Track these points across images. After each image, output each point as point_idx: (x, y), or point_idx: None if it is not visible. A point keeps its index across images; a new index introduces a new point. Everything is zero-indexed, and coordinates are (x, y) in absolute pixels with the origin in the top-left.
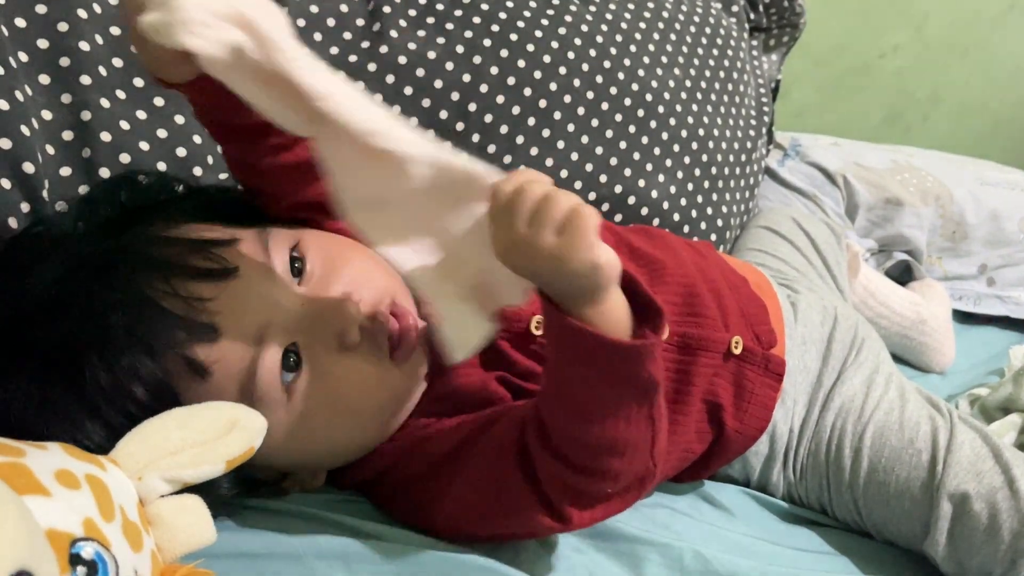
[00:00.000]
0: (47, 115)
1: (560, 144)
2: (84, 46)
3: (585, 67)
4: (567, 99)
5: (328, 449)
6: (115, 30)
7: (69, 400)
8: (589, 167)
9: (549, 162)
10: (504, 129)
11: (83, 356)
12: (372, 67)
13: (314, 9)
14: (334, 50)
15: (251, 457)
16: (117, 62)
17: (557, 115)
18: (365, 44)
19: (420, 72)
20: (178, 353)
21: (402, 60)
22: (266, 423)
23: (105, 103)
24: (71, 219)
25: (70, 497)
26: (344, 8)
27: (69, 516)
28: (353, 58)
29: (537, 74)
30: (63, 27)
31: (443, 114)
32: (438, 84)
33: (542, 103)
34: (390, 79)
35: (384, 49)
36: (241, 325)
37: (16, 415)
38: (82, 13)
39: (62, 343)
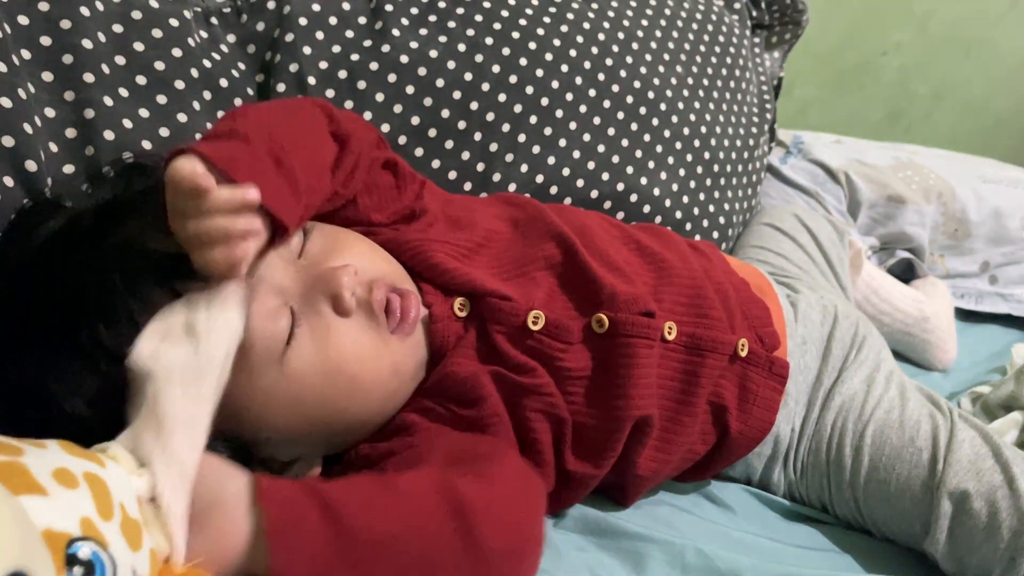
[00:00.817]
0: (50, 112)
1: (562, 142)
2: (87, 44)
3: (587, 65)
4: (569, 97)
5: (322, 420)
6: (117, 27)
7: (73, 361)
8: (591, 165)
9: (551, 160)
10: (506, 127)
11: (84, 315)
12: (374, 66)
13: (316, 8)
14: (336, 48)
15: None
16: (119, 60)
17: (559, 113)
18: (367, 43)
19: (422, 71)
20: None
21: (404, 59)
22: None
23: (108, 101)
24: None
25: (68, 496)
26: (347, 6)
27: (66, 516)
28: (355, 57)
29: (539, 72)
30: (65, 24)
31: (445, 113)
32: (440, 83)
33: (544, 101)
34: (392, 78)
35: (386, 48)
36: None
37: (21, 380)
38: (84, 11)
39: (62, 303)
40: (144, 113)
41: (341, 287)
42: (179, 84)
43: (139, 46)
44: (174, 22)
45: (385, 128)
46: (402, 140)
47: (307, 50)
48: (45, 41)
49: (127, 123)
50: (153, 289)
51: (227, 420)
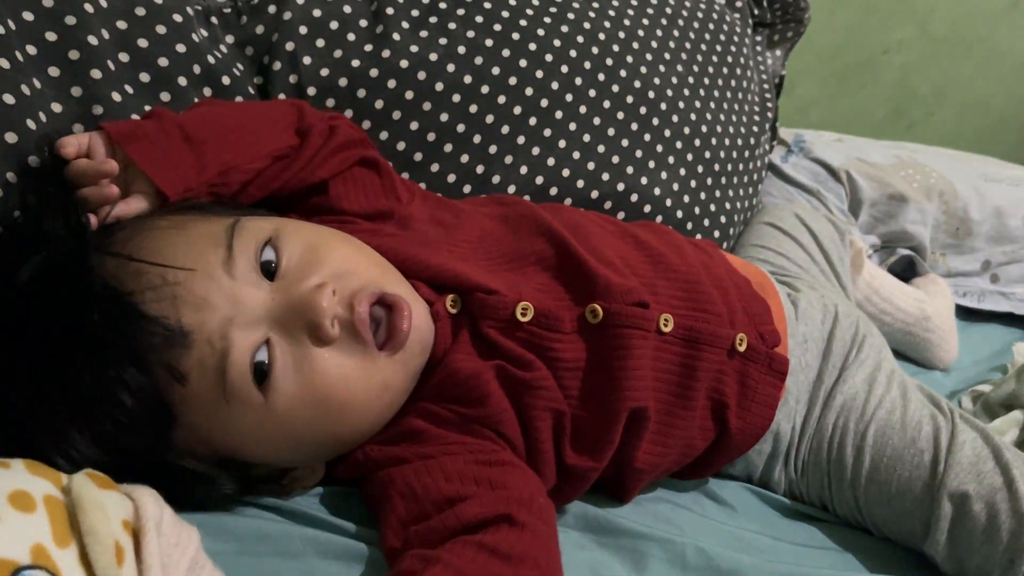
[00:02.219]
0: (57, 108)
1: (562, 143)
2: (92, 40)
3: (587, 65)
4: (569, 98)
5: (319, 445)
6: (121, 24)
7: (55, 408)
8: (591, 165)
9: (551, 161)
10: (505, 129)
11: (70, 363)
12: (374, 73)
13: (317, 13)
14: (337, 53)
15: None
16: (123, 57)
17: (559, 114)
18: (368, 47)
19: (421, 75)
20: (159, 360)
21: (404, 64)
22: None
23: (117, 97)
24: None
25: (21, 521)
26: (347, 9)
27: (16, 542)
28: (356, 63)
29: (539, 73)
30: (71, 20)
31: (444, 117)
32: (439, 87)
33: (544, 103)
34: (391, 84)
35: (386, 53)
36: (205, 324)
37: (2, 423)
38: (88, 7)
39: (47, 349)
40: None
41: (319, 315)
42: (182, 81)
43: (143, 42)
44: (177, 18)
45: (384, 135)
46: (401, 146)
47: (307, 60)
48: (51, 36)
49: (135, 119)
50: (147, 356)
51: (222, 454)
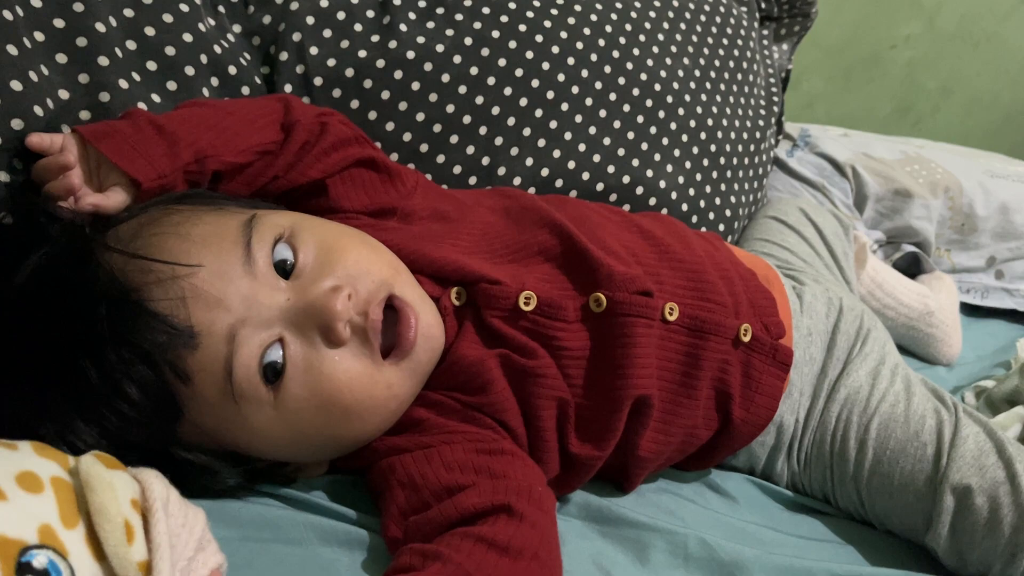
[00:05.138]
0: (64, 95)
1: (567, 135)
2: (100, 27)
3: (594, 57)
4: (575, 90)
5: (325, 445)
6: (128, 12)
7: (61, 400)
8: (596, 158)
9: (556, 153)
10: (511, 121)
11: (76, 358)
12: (380, 63)
13: (324, 3)
14: (344, 43)
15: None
16: (131, 44)
17: (564, 106)
18: (375, 38)
19: (428, 67)
20: (163, 358)
21: (410, 55)
22: None
23: (124, 84)
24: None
25: (28, 501)
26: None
27: (23, 522)
28: (363, 53)
29: (545, 65)
30: (78, 7)
31: (450, 108)
32: (445, 78)
33: (550, 94)
34: (398, 75)
35: (393, 44)
36: (215, 324)
37: (10, 415)
38: None
39: (54, 343)
40: (156, 98)
41: (333, 319)
42: (189, 70)
43: (150, 31)
44: (184, 7)
45: (390, 126)
46: (407, 137)
47: (314, 50)
48: (59, 23)
49: (141, 107)
50: (153, 353)
51: (227, 449)
